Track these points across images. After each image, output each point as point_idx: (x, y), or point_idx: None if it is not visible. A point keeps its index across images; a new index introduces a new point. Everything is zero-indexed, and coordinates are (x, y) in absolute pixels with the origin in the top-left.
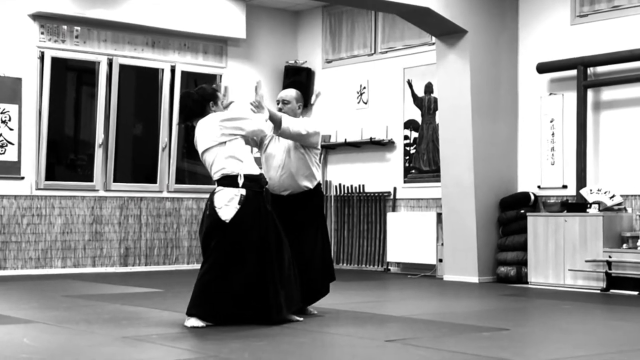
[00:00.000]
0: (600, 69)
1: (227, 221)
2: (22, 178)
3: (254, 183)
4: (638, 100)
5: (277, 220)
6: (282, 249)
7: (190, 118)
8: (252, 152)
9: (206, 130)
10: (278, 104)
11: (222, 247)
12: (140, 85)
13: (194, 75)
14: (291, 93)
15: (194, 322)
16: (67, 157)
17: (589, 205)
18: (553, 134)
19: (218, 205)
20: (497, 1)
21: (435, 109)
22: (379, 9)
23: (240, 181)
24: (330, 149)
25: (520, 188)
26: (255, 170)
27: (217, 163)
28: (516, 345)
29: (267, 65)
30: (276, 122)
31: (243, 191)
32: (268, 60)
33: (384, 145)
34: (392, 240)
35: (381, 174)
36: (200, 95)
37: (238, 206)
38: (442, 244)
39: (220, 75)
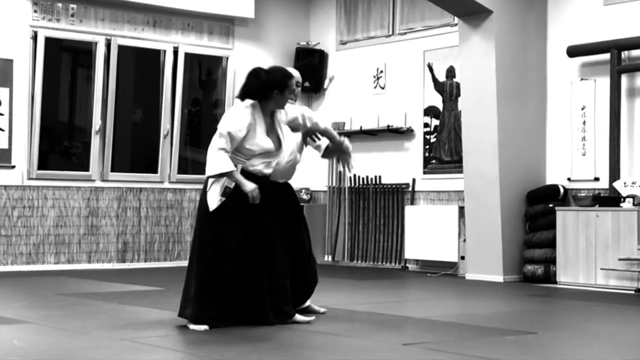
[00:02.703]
0: (635, 52)
1: (211, 210)
2: (13, 167)
3: (253, 181)
4: None
5: (273, 218)
6: (272, 254)
7: (249, 97)
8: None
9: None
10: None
11: (210, 243)
12: (140, 67)
13: (198, 57)
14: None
15: (196, 327)
16: (61, 145)
17: (622, 199)
18: (584, 122)
19: (209, 186)
20: None
21: (458, 94)
22: None
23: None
24: (344, 137)
25: (549, 180)
26: (259, 172)
27: None
28: (543, 350)
29: (277, 46)
30: (337, 143)
31: (232, 184)
32: (278, 41)
33: (402, 133)
34: (410, 235)
35: (399, 165)
36: (269, 80)
37: (222, 198)
38: (465, 240)
39: (227, 58)
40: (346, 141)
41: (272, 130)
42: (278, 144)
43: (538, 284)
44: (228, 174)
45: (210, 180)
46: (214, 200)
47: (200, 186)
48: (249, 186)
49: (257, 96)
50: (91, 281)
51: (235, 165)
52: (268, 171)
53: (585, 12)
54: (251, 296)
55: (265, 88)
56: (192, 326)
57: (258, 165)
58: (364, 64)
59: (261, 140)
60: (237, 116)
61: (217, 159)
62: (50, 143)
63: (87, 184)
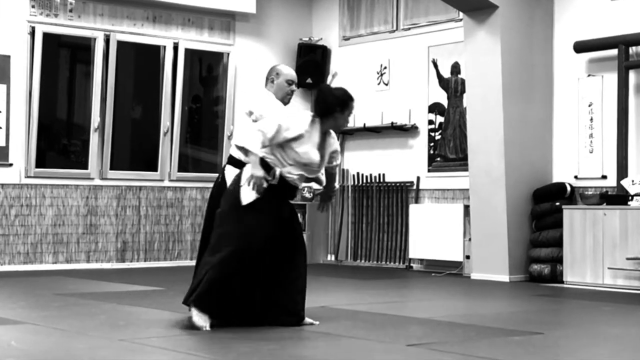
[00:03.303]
0: None
1: (243, 204)
2: (11, 165)
3: (283, 186)
4: None
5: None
6: (294, 256)
7: (324, 114)
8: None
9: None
10: (290, 84)
11: (235, 236)
12: (140, 63)
13: (199, 53)
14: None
15: (199, 319)
16: (59, 142)
17: (630, 198)
18: (591, 119)
19: (243, 180)
20: None
21: (463, 91)
22: None
23: (272, 178)
24: (347, 134)
25: (556, 178)
26: (293, 182)
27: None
28: (550, 351)
29: (279, 42)
30: (331, 187)
31: (264, 183)
32: (280, 37)
33: (407, 130)
34: (414, 234)
35: (403, 162)
36: (334, 98)
37: (257, 195)
38: (470, 239)
39: (228, 54)
40: (336, 190)
41: (320, 149)
42: (320, 163)
43: (544, 284)
44: (249, 152)
45: (245, 176)
46: (249, 194)
47: (201, 184)
48: (257, 172)
49: (323, 114)
50: (90, 281)
51: (273, 167)
52: (300, 184)
53: (592, 7)
54: (266, 295)
55: (330, 107)
56: (194, 315)
57: (295, 175)
58: (367, 60)
59: (312, 152)
60: (296, 118)
61: (250, 137)
62: (48, 140)
63: (86, 182)
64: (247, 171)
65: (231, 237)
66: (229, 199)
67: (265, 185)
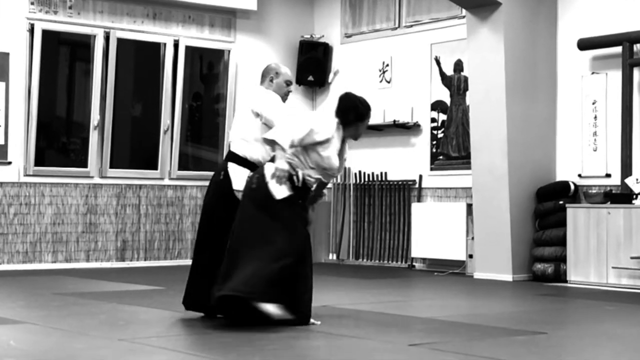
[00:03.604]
0: None
1: (278, 199)
2: (9, 163)
3: (303, 188)
4: None
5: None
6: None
7: (351, 122)
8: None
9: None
10: (289, 85)
11: (296, 229)
12: (140, 61)
13: (200, 51)
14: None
15: (275, 310)
16: (58, 141)
17: (634, 196)
18: (595, 117)
19: (268, 177)
20: None
21: (466, 88)
22: None
23: (296, 180)
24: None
25: (559, 177)
26: (310, 185)
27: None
28: (554, 351)
29: (280, 40)
30: (320, 188)
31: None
32: (281, 34)
33: (409, 128)
34: (417, 233)
35: (405, 161)
36: (365, 109)
37: (289, 192)
38: (473, 238)
39: (229, 51)
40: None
41: (339, 155)
42: (339, 168)
43: (548, 283)
44: (277, 146)
45: (269, 173)
46: (281, 190)
47: (201, 182)
48: (284, 166)
49: (345, 124)
50: (90, 280)
51: (297, 167)
52: (313, 187)
53: (596, 4)
54: (304, 288)
55: (360, 114)
56: (268, 308)
57: (312, 179)
58: (369, 57)
59: (334, 157)
60: (324, 122)
61: (281, 131)
62: (48, 139)
63: (85, 180)
64: (270, 168)
65: (285, 229)
66: (257, 195)
67: (288, 183)
